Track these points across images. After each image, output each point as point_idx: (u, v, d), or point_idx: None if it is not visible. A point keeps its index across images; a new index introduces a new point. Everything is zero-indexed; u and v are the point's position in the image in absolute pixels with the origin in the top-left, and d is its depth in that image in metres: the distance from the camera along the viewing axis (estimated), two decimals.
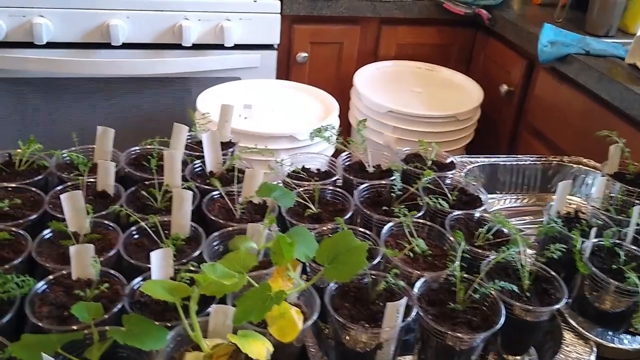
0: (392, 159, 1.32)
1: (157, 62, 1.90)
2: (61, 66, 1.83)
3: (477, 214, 1.14)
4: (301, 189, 1.16)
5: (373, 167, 1.30)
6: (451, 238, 1.04)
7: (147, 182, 1.13)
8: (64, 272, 0.90)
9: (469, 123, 1.90)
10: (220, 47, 1.93)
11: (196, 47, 1.91)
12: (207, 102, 1.75)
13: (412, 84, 2.01)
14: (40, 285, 0.87)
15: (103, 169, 1.11)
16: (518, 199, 1.48)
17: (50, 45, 1.81)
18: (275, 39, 1.96)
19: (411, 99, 1.92)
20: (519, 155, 1.49)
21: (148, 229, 0.99)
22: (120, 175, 1.17)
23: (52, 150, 1.18)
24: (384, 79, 2.03)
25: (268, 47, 1.98)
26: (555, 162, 1.49)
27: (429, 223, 1.08)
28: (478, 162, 1.45)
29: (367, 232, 1.04)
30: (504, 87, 1.93)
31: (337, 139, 1.33)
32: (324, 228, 1.05)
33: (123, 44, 1.85)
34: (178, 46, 1.89)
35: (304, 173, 1.24)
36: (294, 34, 2.02)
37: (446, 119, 1.82)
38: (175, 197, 1.01)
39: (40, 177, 1.13)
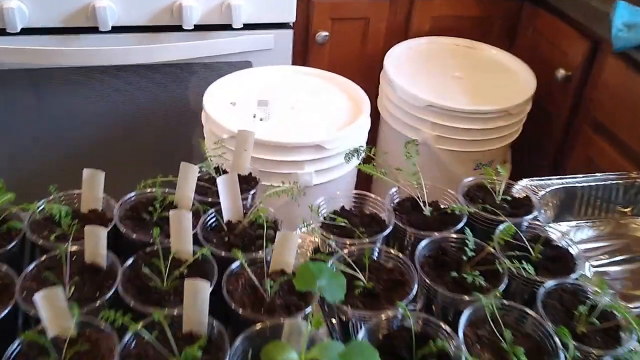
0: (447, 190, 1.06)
1: (154, 49, 1.60)
2: (40, 56, 1.54)
3: (571, 280, 0.90)
4: (345, 251, 0.91)
5: (429, 205, 1.04)
6: (549, 328, 0.80)
7: (148, 250, 0.88)
8: None
9: (520, 117, 1.62)
10: (227, 27, 1.63)
11: (199, 28, 1.61)
12: (216, 99, 1.47)
13: (450, 67, 1.72)
14: None
15: (91, 236, 0.85)
16: (594, 225, 1.23)
17: (25, 32, 1.51)
18: (290, 16, 1.66)
19: (452, 87, 1.64)
20: (597, 175, 1.23)
21: (150, 337, 0.74)
22: (115, 234, 0.92)
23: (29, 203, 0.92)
24: (418, 61, 1.74)
25: (282, 25, 1.68)
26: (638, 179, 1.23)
27: (518, 306, 0.83)
28: (551, 187, 1.19)
29: (442, 325, 0.79)
30: (561, 72, 1.64)
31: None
32: (383, 318, 0.81)
33: (113, 27, 1.55)
34: (178, 28, 1.59)
35: (345, 222, 0.98)
36: (313, 10, 1.71)
37: (496, 113, 1.55)
38: (188, 289, 0.76)
39: (10, 245, 0.88)
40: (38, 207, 0.93)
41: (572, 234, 1.21)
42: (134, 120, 1.72)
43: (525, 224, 1.01)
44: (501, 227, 0.96)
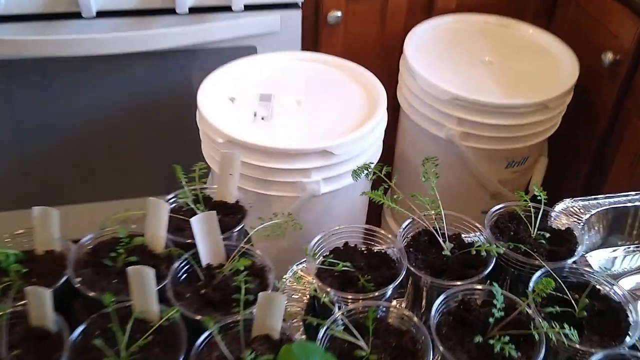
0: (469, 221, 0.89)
1: (144, 36, 1.43)
2: (17, 47, 1.38)
3: (623, 350, 0.73)
4: (344, 310, 0.75)
5: (450, 239, 0.87)
6: None
7: (104, 312, 0.73)
8: None
9: (560, 109, 1.42)
10: (227, 9, 1.44)
11: (195, 11, 1.43)
12: (212, 94, 1.31)
13: (480, 50, 1.52)
14: None
15: (34, 298, 0.71)
16: None
17: (5, 19, 1.35)
18: None
19: (481, 75, 1.44)
20: None
21: None
22: (70, 288, 0.78)
23: None
24: (443, 43, 1.53)
25: (290, 5, 1.49)
26: None
27: None
28: (598, 208, 1.01)
29: None
30: (609, 56, 1.42)
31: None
32: None
33: (98, 13, 1.38)
34: (171, 12, 1.42)
35: (348, 267, 0.81)
36: None
37: (531, 107, 1.35)
38: None
39: None
40: None
41: (622, 261, 1.03)
42: (126, 115, 1.56)
43: (567, 268, 0.83)
44: (538, 275, 0.79)
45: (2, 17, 1.35)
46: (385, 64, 1.57)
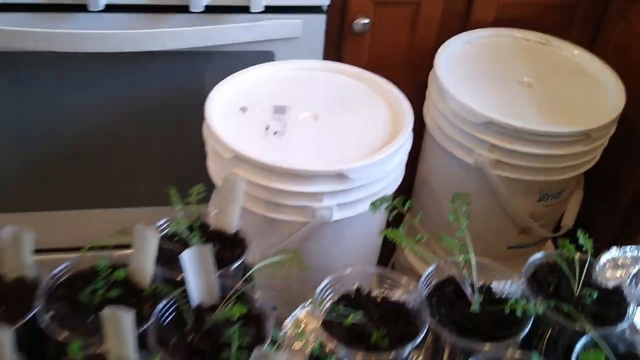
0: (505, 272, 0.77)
1: (155, 34, 1.32)
2: (20, 38, 1.28)
3: None
4: None
5: (479, 290, 0.76)
6: None
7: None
8: None
9: (602, 141, 1.29)
10: (244, 10, 1.34)
11: (211, 10, 1.33)
12: (222, 103, 1.20)
13: (518, 69, 1.39)
14: None
15: None
16: None
17: (4, 8, 1.26)
18: None
19: (519, 97, 1.32)
20: None
21: None
22: (36, 323, 0.67)
23: None
24: (478, 60, 1.41)
25: (314, 9, 1.38)
26: None
27: None
28: None
29: None
30: None
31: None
32: None
33: (106, 6, 1.28)
34: (184, 10, 1.31)
35: (358, 317, 0.70)
36: None
37: (572, 136, 1.22)
38: None
39: None
40: None
41: None
42: (132, 119, 1.46)
43: (617, 334, 0.71)
44: (583, 343, 0.67)
45: (4, 5, 1.26)
46: (413, 78, 1.46)
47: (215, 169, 1.17)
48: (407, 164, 1.23)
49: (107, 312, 0.60)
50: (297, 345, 0.74)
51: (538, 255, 0.80)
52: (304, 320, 0.77)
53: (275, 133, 1.17)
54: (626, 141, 1.40)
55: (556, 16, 1.53)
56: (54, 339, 0.64)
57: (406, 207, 0.81)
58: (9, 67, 1.37)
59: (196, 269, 0.68)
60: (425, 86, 1.42)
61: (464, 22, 1.49)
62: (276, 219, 1.11)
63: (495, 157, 1.26)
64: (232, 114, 1.20)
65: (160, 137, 1.51)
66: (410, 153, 1.22)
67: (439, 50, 1.39)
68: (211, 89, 1.21)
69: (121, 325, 0.60)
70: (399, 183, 1.21)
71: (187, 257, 0.67)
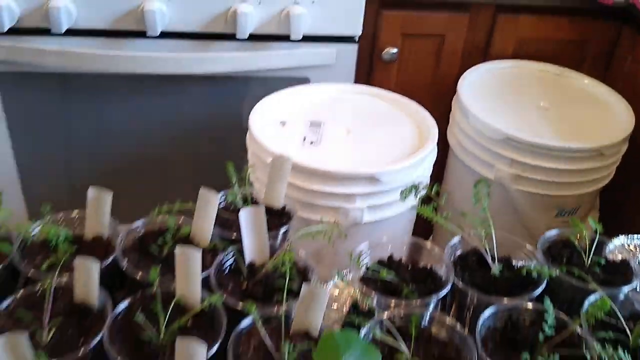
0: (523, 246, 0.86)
1: (205, 58, 1.48)
2: (83, 60, 1.44)
3: None
4: (387, 314, 0.73)
5: (499, 261, 0.85)
6: None
7: (149, 291, 0.73)
8: None
9: (614, 159, 1.39)
10: (284, 39, 1.49)
11: (254, 38, 1.48)
12: (264, 117, 1.32)
13: (535, 96, 1.51)
14: None
15: (82, 270, 0.71)
16: None
17: (71, 33, 1.42)
18: (356, 28, 1.50)
19: (536, 119, 1.43)
20: None
21: None
22: (116, 270, 0.78)
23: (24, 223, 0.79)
24: (498, 87, 1.54)
25: (347, 39, 1.52)
26: None
27: None
28: None
29: None
30: None
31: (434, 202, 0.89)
32: None
33: (162, 33, 1.44)
34: (231, 37, 1.46)
35: (391, 273, 0.80)
36: (382, 23, 1.55)
37: (586, 152, 1.32)
38: (179, 350, 0.60)
39: None
40: (32, 229, 0.79)
41: None
42: (173, 137, 1.60)
43: (622, 296, 0.80)
44: (592, 298, 0.76)
45: (71, 30, 1.42)
46: (437, 105, 1.57)
47: (256, 176, 1.28)
48: (431, 180, 1.33)
49: (179, 250, 0.71)
50: (334, 305, 0.83)
51: (552, 232, 0.89)
52: (340, 286, 0.86)
53: (311, 143, 1.28)
54: (635, 163, 1.49)
55: (570, 52, 1.65)
56: (131, 277, 0.75)
57: (434, 190, 0.91)
58: (68, 86, 1.52)
59: (251, 227, 0.78)
60: (448, 112, 1.54)
61: (484, 55, 1.62)
62: (311, 220, 1.21)
63: (515, 171, 1.36)
64: (273, 126, 1.33)
65: (199, 155, 1.64)
66: (434, 171, 1.32)
67: (462, 76, 1.51)
68: (249, 113, 1.33)
69: (190, 262, 0.70)
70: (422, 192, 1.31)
71: (244, 215, 0.78)
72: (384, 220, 1.23)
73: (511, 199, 1.39)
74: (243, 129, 1.30)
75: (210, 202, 0.79)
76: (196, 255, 0.70)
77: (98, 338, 0.67)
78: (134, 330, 0.68)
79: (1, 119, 1.51)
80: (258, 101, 1.37)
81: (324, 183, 1.17)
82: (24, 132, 1.56)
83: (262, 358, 0.67)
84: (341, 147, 1.28)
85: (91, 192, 0.81)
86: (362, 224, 1.21)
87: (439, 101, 1.60)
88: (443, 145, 1.46)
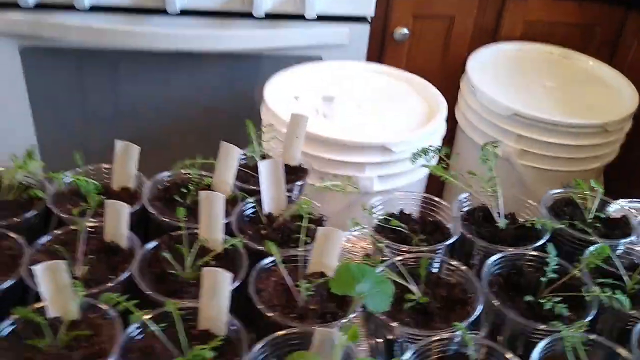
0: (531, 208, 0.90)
1: (221, 36, 1.53)
2: (105, 36, 1.49)
3: None
4: (399, 258, 0.77)
5: (505, 217, 0.89)
6: None
7: (174, 234, 0.78)
8: None
9: (618, 135, 1.43)
10: (299, 18, 1.53)
11: (270, 17, 1.52)
12: (278, 91, 1.37)
13: (542, 76, 1.55)
14: None
15: (112, 212, 0.76)
16: None
17: (94, 9, 1.47)
18: (369, 9, 1.54)
19: (542, 97, 1.47)
20: None
21: (159, 330, 0.63)
22: (143, 216, 0.83)
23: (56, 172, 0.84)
24: (506, 67, 1.58)
25: (359, 19, 1.57)
26: None
27: (607, 343, 0.67)
28: None
29: (510, 357, 0.64)
30: None
31: (443, 164, 0.93)
32: (436, 340, 0.66)
33: (181, 11, 1.49)
34: (248, 16, 1.51)
35: (403, 227, 0.84)
36: (393, 4, 1.59)
37: (591, 128, 1.36)
38: (207, 279, 0.65)
39: (28, 215, 0.80)
40: (64, 178, 0.84)
41: None
42: (195, 111, 1.65)
43: (622, 248, 0.84)
44: (592, 248, 0.80)
45: (94, 7, 1.47)
46: (446, 84, 1.61)
47: (270, 147, 1.33)
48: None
49: (203, 193, 0.75)
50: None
51: (556, 190, 0.93)
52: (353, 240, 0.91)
53: (324, 116, 1.33)
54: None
55: (577, 36, 1.69)
56: (158, 220, 0.79)
57: (443, 152, 0.95)
58: (100, 63, 1.57)
59: (270, 178, 0.83)
60: (456, 92, 1.58)
61: (493, 36, 1.66)
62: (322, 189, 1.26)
63: (521, 147, 1.40)
64: (287, 100, 1.37)
65: (220, 125, 1.67)
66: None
67: (471, 55, 1.56)
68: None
69: (214, 206, 0.75)
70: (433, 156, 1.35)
71: (264, 166, 0.82)
72: (395, 189, 1.28)
73: (516, 174, 1.43)
74: (257, 107, 1.34)
75: (231, 154, 0.84)
76: (219, 199, 0.75)
77: (127, 273, 0.71)
78: (162, 266, 0.73)
79: (23, 92, 1.56)
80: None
81: (335, 152, 1.22)
82: (45, 106, 1.62)
83: (281, 294, 0.72)
84: (353, 119, 1.32)
85: (119, 145, 0.85)
86: (373, 194, 1.25)
87: (447, 81, 1.64)
88: (451, 125, 1.50)
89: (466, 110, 1.50)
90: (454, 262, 0.77)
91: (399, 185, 1.28)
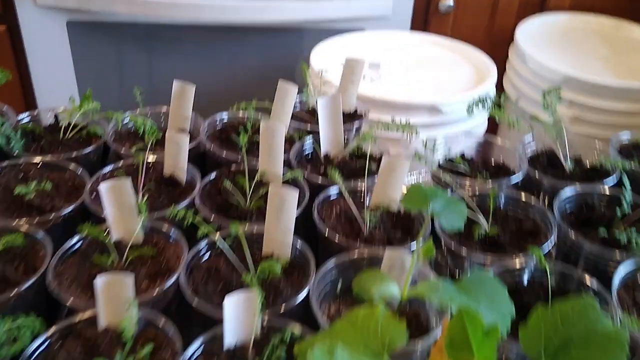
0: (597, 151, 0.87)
1: (263, 7, 1.52)
2: (148, 8, 1.50)
3: None
4: (467, 193, 0.75)
5: (572, 160, 0.86)
6: None
7: (233, 168, 0.76)
8: (89, 315, 0.56)
9: None
10: None
11: None
12: (324, 58, 1.35)
13: (593, 45, 1.51)
14: (41, 341, 0.53)
15: (172, 144, 0.75)
16: None
17: None
18: None
19: (594, 63, 1.43)
20: None
21: (227, 247, 0.62)
22: (199, 153, 0.82)
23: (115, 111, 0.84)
24: (556, 37, 1.54)
25: None
26: None
27: None
28: None
29: (587, 281, 0.61)
30: None
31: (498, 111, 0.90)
32: (510, 266, 0.64)
33: None
34: None
35: (465, 164, 0.82)
36: None
37: None
38: (272, 197, 0.63)
39: (88, 150, 0.79)
40: (122, 118, 0.84)
41: None
42: (234, 87, 1.64)
43: None
44: None
45: None
46: (492, 56, 1.58)
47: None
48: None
49: (264, 124, 0.74)
50: None
51: (624, 134, 0.89)
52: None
53: (371, 80, 1.31)
54: None
55: (629, 5, 1.64)
56: (216, 156, 0.78)
57: (502, 99, 0.92)
58: (144, 36, 1.58)
59: (328, 115, 0.81)
60: (502, 63, 1.55)
61: (541, 7, 1.63)
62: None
63: (573, 113, 1.36)
64: (333, 67, 1.35)
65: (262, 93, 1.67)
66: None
67: (519, 25, 1.52)
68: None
69: (275, 137, 0.74)
70: (483, 130, 1.32)
71: (323, 103, 0.81)
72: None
73: (569, 142, 1.38)
74: (298, 79, 1.33)
75: (289, 93, 0.83)
76: (280, 130, 0.73)
77: (189, 199, 0.70)
78: (222, 197, 0.72)
79: (69, 64, 1.58)
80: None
81: (385, 112, 1.19)
82: (88, 77, 1.63)
83: (345, 222, 0.70)
84: (400, 84, 1.30)
85: (176, 85, 0.85)
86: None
87: (493, 53, 1.60)
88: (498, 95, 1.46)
89: (515, 79, 1.46)
90: (522, 195, 0.74)
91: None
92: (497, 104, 0.93)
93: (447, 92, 1.26)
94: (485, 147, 0.88)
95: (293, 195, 0.62)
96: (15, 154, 0.76)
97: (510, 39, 1.51)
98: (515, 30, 1.51)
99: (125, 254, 0.62)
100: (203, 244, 0.63)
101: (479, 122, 1.27)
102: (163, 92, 1.65)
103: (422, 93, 1.25)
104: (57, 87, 1.59)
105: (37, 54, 1.56)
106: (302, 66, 0.91)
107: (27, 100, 1.61)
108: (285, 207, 0.63)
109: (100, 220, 0.66)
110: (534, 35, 1.51)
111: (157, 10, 1.51)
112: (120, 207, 0.64)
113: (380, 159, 0.82)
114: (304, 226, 0.69)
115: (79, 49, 1.58)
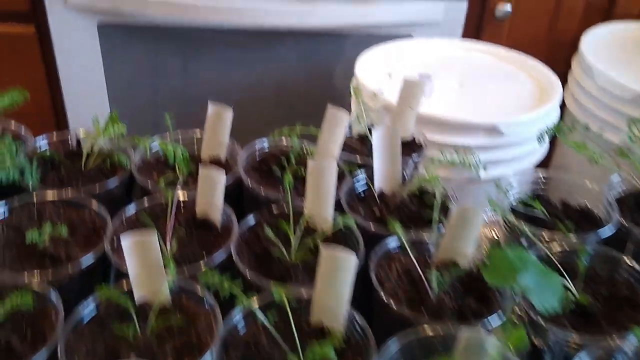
0: None
1: (305, 12, 1.41)
2: (182, 11, 1.40)
3: None
4: (551, 249, 0.63)
5: None
6: None
7: (275, 210, 0.66)
8: None
9: None
10: None
11: None
12: (369, 67, 1.24)
13: None
14: None
15: (207, 181, 0.65)
16: None
17: None
18: None
19: None
20: None
21: (268, 322, 0.52)
22: (237, 185, 0.72)
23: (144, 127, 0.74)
24: (625, 47, 1.40)
25: None
26: None
27: None
28: None
29: None
30: None
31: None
32: (605, 346, 0.52)
33: None
34: None
35: (542, 210, 0.70)
36: None
37: None
38: (325, 260, 0.53)
39: (111, 185, 0.70)
40: (150, 144, 0.74)
41: None
42: (271, 95, 1.54)
43: None
44: None
45: None
46: (552, 66, 1.46)
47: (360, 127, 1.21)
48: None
49: (312, 163, 0.63)
50: None
51: None
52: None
53: (423, 95, 1.19)
54: None
55: None
56: (255, 194, 0.68)
57: (582, 126, 0.81)
58: (180, 40, 1.49)
59: (383, 149, 0.70)
60: (563, 74, 1.42)
61: (607, 15, 1.49)
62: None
63: None
64: (379, 78, 1.24)
65: (304, 107, 1.57)
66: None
67: (584, 34, 1.39)
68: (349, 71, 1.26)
69: (324, 176, 0.63)
70: (543, 154, 1.20)
71: (377, 135, 0.70)
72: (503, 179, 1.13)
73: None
74: (342, 89, 1.22)
75: (339, 122, 0.72)
76: (332, 168, 0.63)
77: (225, 251, 0.60)
78: (262, 246, 0.62)
79: (100, 68, 1.50)
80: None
81: (439, 132, 1.08)
82: (119, 81, 1.55)
83: (407, 285, 0.59)
84: (455, 100, 1.18)
85: (212, 108, 0.75)
86: (480, 182, 1.11)
87: (552, 62, 1.47)
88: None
89: (579, 93, 1.33)
90: (614, 253, 0.62)
91: (509, 172, 1.13)
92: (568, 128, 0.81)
93: (506, 110, 1.14)
94: (564, 186, 0.76)
95: (351, 261, 0.52)
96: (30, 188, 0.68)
97: (572, 48, 1.38)
98: (580, 40, 1.38)
99: (150, 322, 0.53)
100: (240, 312, 0.53)
101: (535, 148, 1.14)
102: (199, 99, 1.57)
103: (480, 111, 1.13)
104: (86, 92, 1.51)
105: (66, 58, 1.48)
106: (353, 89, 0.80)
107: (55, 104, 1.54)
108: (340, 274, 0.52)
109: (122, 272, 0.57)
110: (600, 46, 1.38)
111: (195, 13, 1.42)
112: (144, 265, 0.54)
113: (446, 202, 0.72)
114: (360, 283, 0.59)
115: (111, 53, 1.49)
